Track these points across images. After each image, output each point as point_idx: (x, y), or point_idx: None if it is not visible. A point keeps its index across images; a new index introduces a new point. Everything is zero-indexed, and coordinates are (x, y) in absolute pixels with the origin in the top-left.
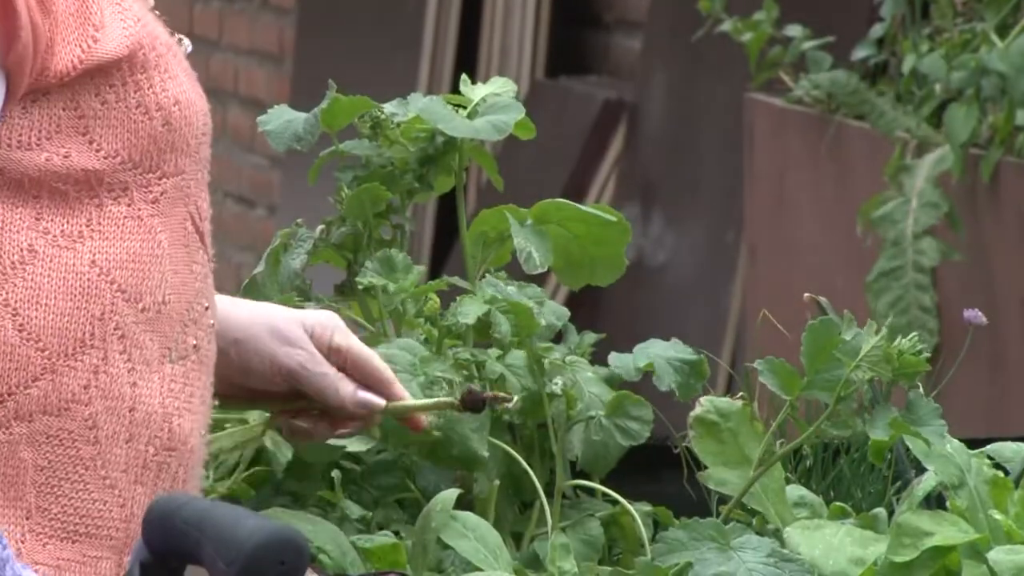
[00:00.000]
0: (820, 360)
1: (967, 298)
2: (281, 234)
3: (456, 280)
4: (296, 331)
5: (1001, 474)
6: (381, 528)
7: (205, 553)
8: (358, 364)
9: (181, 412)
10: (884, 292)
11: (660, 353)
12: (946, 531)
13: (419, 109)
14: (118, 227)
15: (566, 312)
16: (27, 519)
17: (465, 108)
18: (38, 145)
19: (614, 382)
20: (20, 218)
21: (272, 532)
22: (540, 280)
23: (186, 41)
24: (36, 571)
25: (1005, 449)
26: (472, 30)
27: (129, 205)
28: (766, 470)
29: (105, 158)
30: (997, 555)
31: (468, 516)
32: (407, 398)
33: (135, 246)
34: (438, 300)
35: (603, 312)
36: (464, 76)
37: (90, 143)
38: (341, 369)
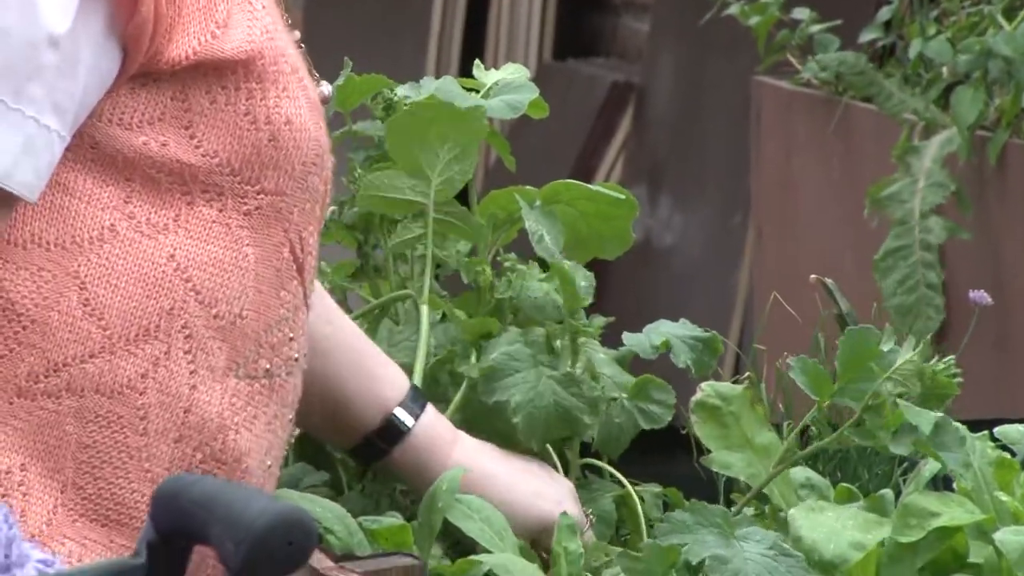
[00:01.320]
0: (854, 368)
1: (974, 278)
2: None
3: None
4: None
5: (1007, 455)
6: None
7: (212, 533)
8: None
9: (239, 429)
10: (891, 271)
11: (672, 332)
12: (952, 512)
13: (434, 89)
14: (205, 229)
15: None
16: (62, 492)
17: (478, 92)
18: (139, 128)
19: (625, 362)
20: (108, 196)
21: (280, 513)
22: None
23: (326, 85)
24: (63, 544)
25: (1011, 431)
26: (480, 13)
27: (221, 211)
28: (784, 469)
29: (203, 156)
30: (1004, 536)
31: (473, 498)
32: None
33: (218, 252)
34: (490, 271)
35: (610, 294)
36: (477, 61)
37: (191, 138)
38: None
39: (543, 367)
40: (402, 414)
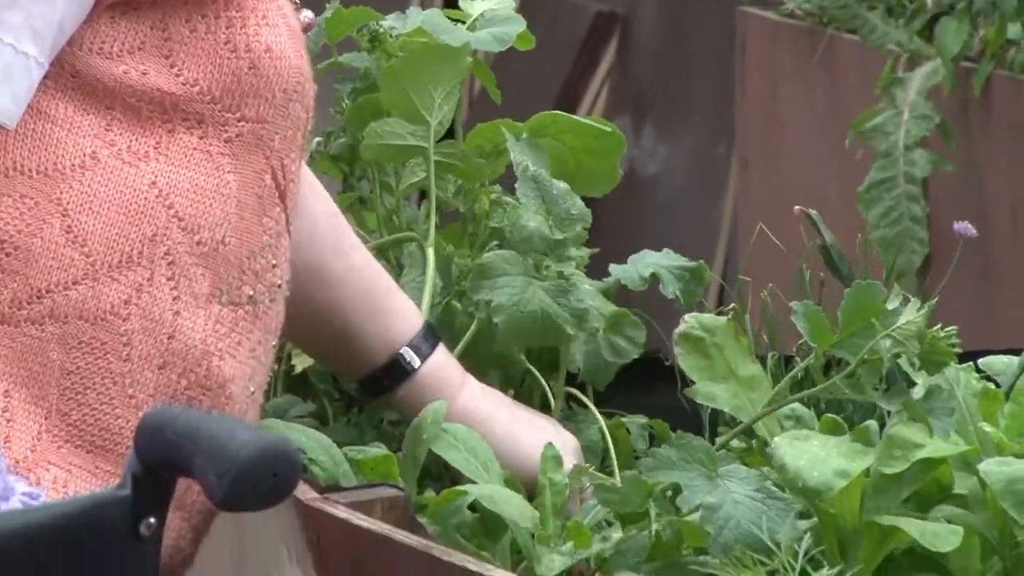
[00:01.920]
0: (856, 321)
1: (958, 210)
2: None
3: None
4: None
5: (991, 386)
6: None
7: (196, 465)
8: None
9: (223, 355)
10: (875, 203)
11: (658, 262)
12: (936, 443)
13: (420, 21)
14: (186, 156)
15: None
16: (46, 419)
17: (464, 23)
18: (119, 57)
19: (610, 293)
20: (89, 124)
21: (265, 444)
22: None
23: (308, 12)
24: (47, 471)
25: (995, 362)
26: None
27: (202, 138)
28: (776, 409)
29: (183, 84)
30: (988, 466)
31: (459, 428)
32: None
33: (199, 179)
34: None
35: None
36: None
37: (171, 67)
38: None
39: (534, 279)
40: (409, 354)
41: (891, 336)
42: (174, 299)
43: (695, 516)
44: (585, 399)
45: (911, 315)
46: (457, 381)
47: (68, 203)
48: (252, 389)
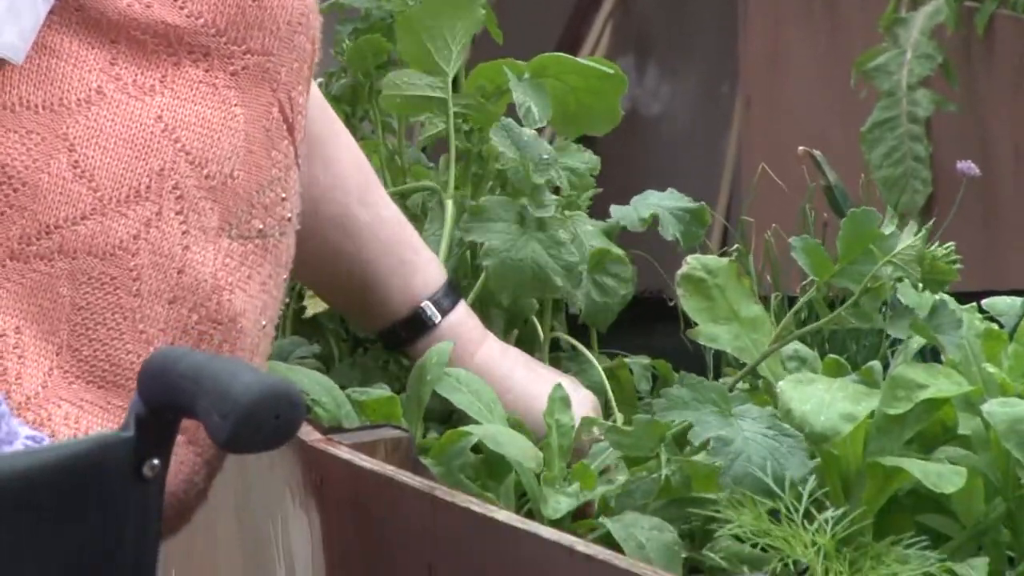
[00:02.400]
0: (855, 250)
1: (961, 150)
2: None
3: None
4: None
5: (995, 327)
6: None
7: (200, 406)
8: None
9: (233, 289)
10: (878, 143)
11: (659, 203)
12: (940, 384)
13: None
14: (192, 89)
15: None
16: (57, 355)
17: None
18: None
19: (612, 234)
20: (94, 58)
21: (268, 386)
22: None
23: None
24: (59, 407)
25: (999, 303)
26: None
27: (207, 71)
28: (780, 347)
29: (188, 16)
30: (991, 407)
31: (462, 371)
32: None
33: (206, 112)
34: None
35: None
36: None
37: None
38: None
39: (531, 230)
40: (430, 308)
41: (892, 261)
42: (183, 233)
43: (704, 458)
44: (574, 342)
45: (909, 239)
46: (477, 337)
47: (75, 138)
48: (264, 322)
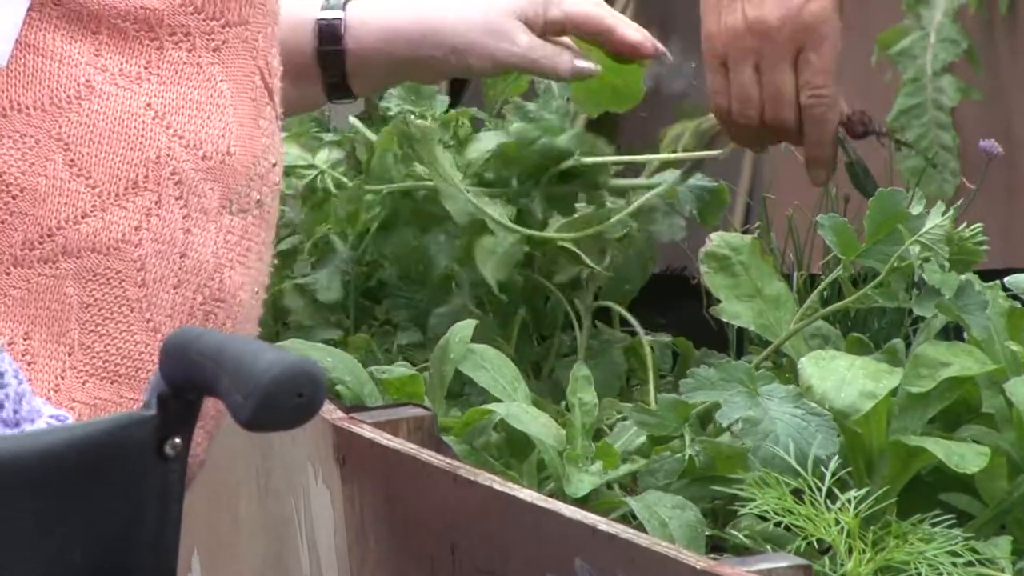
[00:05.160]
0: (882, 229)
1: (984, 134)
2: None
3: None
4: (510, 23)
5: (1018, 305)
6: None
7: (222, 386)
8: (580, 26)
9: (234, 265)
10: (904, 131)
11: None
12: (963, 362)
13: None
14: (177, 72)
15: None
16: (69, 355)
17: None
18: None
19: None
20: (79, 52)
21: (289, 364)
22: None
23: None
24: (72, 409)
25: (1022, 280)
26: None
27: (190, 51)
28: (807, 325)
29: None
30: (1015, 385)
31: (486, 348)
32: (632, 35)
33: (193, 93)
34: (471, 126)
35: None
36: None
37: None
38: (564, 34)
39: None
40: (327, 13)
41: (919, 241)
42: (184, 217)
43: (729, 438)
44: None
45: (936, 219)
46: None
47: (68, 136)
48: (257, 290)
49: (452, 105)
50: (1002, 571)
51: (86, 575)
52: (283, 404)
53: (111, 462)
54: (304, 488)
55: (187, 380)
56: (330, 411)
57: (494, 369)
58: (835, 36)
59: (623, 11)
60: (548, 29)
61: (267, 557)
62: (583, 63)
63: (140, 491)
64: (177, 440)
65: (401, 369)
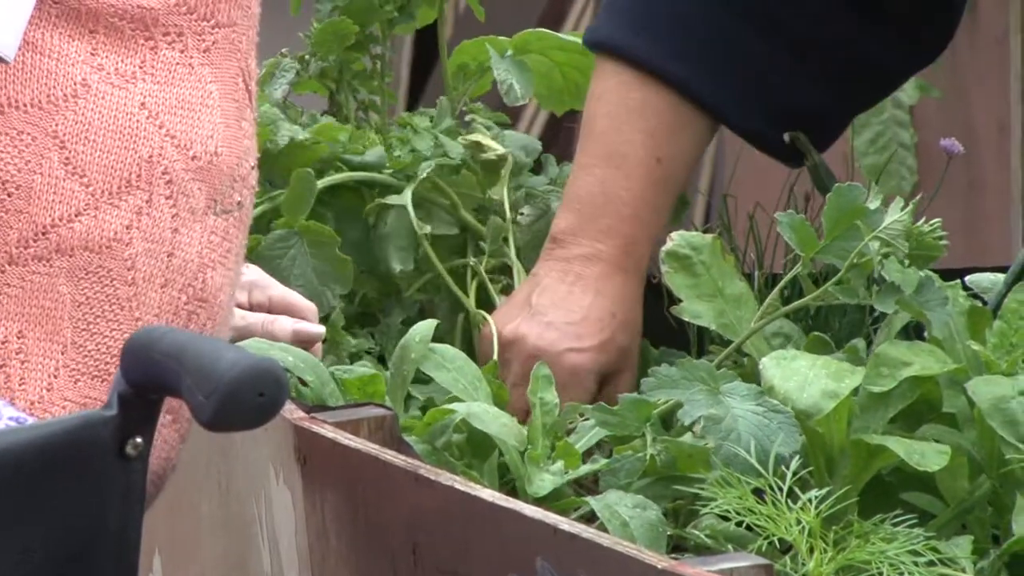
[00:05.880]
0: (841, 225)
1: (944, 130)
2: (267, 64)
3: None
4: None
5: (979, 304)
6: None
7: (184, 385)
8: (282, 306)
9: (215, 265)
10: (863, 128)
11: None
12: (924, 361)
13: None
14: (170, 72)
15: (537, 146)
16: (62, 354)
17: None
18: None
19: None
20: (76, 51)
21: (251, 364)
22: (519, 108)
23: None
24: (63, 409)
25: (982, 279)
26: None
27: (183, 52)
28: (766, 324)
29: None
30: (976, 385)
31: (446, 348)
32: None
33: (185, 93)
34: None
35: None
36: None
37: None
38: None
39: None
40: None
41: (879, 237)
42: (173, 217)
43: (690, 438)
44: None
45: (896, 214)
46: None
47: (64, 135)
48: (232, 292)
49: (412, 103)
50: (963, 571)
51: (49, 573)
52: (245, 404)
53: (72, 462)
54: (265, 488)
55: (149, 380)
56: (291, 411)
57: (455, 369)
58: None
59: (582, 11)
60: (256, 309)
61: (228, 557)
62: (303, 326)
63: (102, 491)
64: (139, 440)
65: (362, 369)
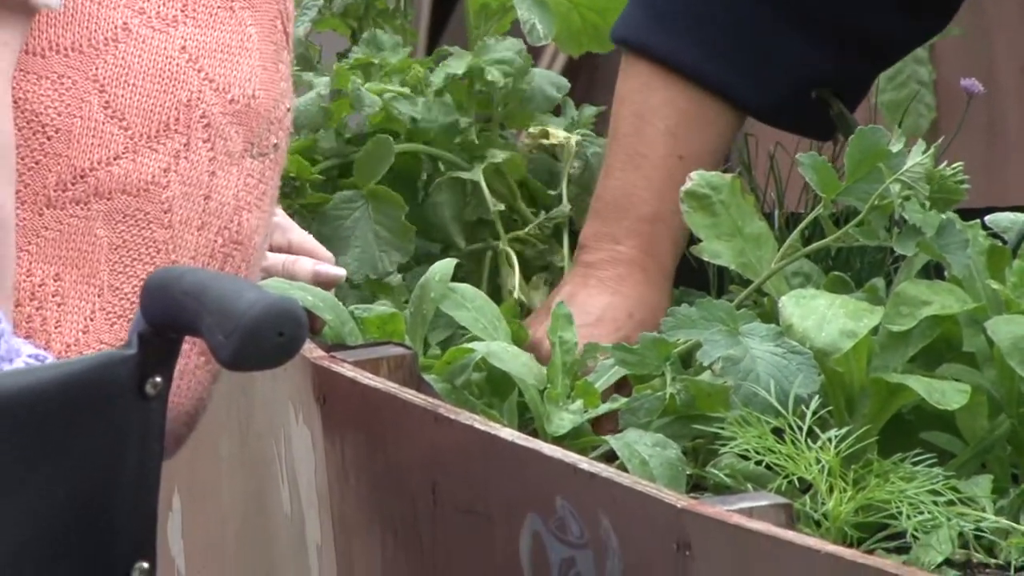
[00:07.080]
0: (863, 167)
1: (965, 71)
2: None
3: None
4: None
5: (998, 243)
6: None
7: (204, 324)
8: (302, 250)
9: (251, 208)
10: None
11: None
12: (944, 300)
13: None
14: (211, 16)
15: (565, 83)
16: (99, 296)
17: None
18: None
19: None
20: None
21: (271, 303)
22: (538, 51)
23: None
24: (99, 349)
25: (1002, 219)
26: None
27: None
28: (787, 264)
29: None
30: (995, 324)
31: (466, 288)
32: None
33: (225, 36)
34: (422, 70)
35: (600, 83)
36: None
37: None
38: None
39: None
40: None
41: (900, 179)
42: (210, 160)
43: (709, 377)
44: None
45: (917, 157)
46: None
47: (104, 78)
48: (266, 234)
49: (432, 42)
50: (983, 510)
51: (69, 511)
52: (265, 343)
53: (92, 400)
54: (285, 428)
55: (168, 319)
56: (311, 350)
57: (475, 308)
58: None
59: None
60: (278, 251)
61: (248, 496)
62: (323, 268)
63: (121, 429)
64: (158, 379)
65: (381, 308)
